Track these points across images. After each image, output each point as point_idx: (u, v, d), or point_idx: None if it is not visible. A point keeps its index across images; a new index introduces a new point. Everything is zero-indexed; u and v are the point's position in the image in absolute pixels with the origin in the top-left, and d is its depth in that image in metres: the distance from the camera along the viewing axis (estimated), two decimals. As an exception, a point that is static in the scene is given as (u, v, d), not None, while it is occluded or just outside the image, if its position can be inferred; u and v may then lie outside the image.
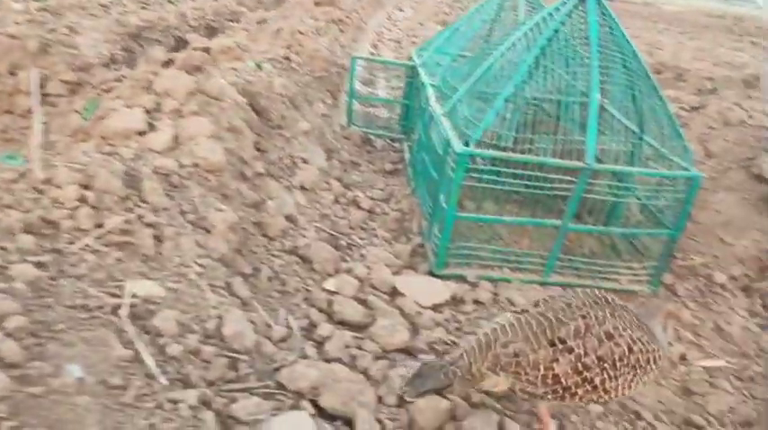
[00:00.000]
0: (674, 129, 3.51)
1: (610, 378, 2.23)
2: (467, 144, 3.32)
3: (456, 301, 3.50)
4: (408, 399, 2.44)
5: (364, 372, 2.71)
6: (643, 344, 2.29)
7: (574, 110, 3.32)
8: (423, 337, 3.02)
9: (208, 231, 2.81)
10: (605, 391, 2.26)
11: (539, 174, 3.37)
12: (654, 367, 2.34)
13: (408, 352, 2.93)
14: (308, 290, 3.19)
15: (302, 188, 4.01)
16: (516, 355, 2.23)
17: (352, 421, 2.40)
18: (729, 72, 6.10)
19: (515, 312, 2.43)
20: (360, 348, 2.83)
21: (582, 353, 2.20)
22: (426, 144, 4.15)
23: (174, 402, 2.00)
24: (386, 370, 2.72)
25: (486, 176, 3.38)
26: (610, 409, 2.68)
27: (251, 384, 2.36)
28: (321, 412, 2.43)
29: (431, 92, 4.25)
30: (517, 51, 3.47)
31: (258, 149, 3.85)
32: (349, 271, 3.46)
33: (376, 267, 3.48)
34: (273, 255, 3.26)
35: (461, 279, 3.64)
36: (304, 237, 3.57)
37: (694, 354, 3.35)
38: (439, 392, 2.46)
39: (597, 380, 2.22)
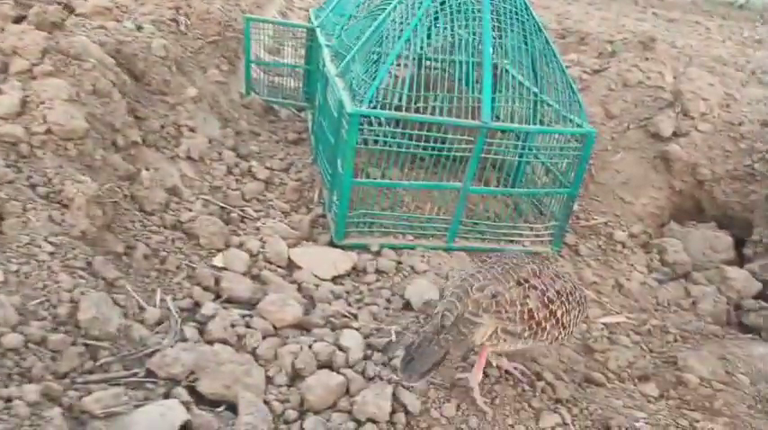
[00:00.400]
0: (570, 88, 3.46)
1: (566, 311, 2.36)
2: (359, 104, 3.11)
3: (357, 272, 3.32)
4: (413, 385, 2.32)
5: (252, 352, 2.49)
6: (575, 285, 2.49)
7: (469, 68, 3.18)
8: (319, 312, 2.82)
9: (65, 206, 2.47)
10: (563, 327, 2.37)
11: (437, 134, 3.23)
12: (587, 306, 2.56)
13: (302, 327, 2.73)
14: (192, 267, 2.91)
15: (189, 158, 3.68)
16: (494, 296, 2.25)
17: (235, 405, 2.19)
18: (629, 36, 6.20)
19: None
20: (248, 326, 2.60)
21: (544, 288, 2.32)
22: (324, 108, 3.92)
23: (7, 400, 1.70)
24: (276, 348, 2.51)
25: (383, 139, 3.19)
26: (509, 373, 2.60)
27: (114, 374, 2.08)
28: (200, 399, 2.20)
29: (326, 53, 4.01)
30: (408, 7, 3.28)
31: (135, 116, 3.48)
32: (240, 245, 3.20)
33: (271, 240, 3.24)
34: (151, 231, 2.95)
35: (364, 248, 3.47)
36: (189, 210, 3.26)
37: (595, 312, 3.35)
38: (434, 365, 2.27)
39: (559, 313, 2.33)
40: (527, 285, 2.31)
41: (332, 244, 3.47)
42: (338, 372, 2.42)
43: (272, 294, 2.68)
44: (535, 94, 3.55)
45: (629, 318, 3.42)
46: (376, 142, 3.24)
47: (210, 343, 2.41)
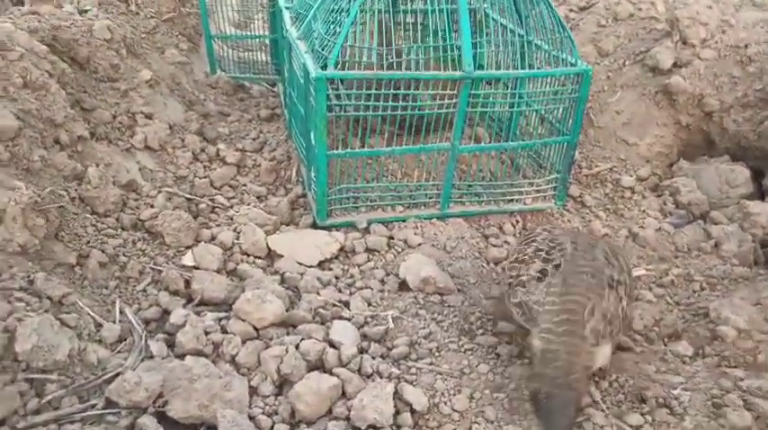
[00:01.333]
0: (559, 24, 3.08)
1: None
2: (324, 67, 2.75)
3: (346, 253, 3.01)
4: None
5: (232, 361, 2.19)
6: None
7: (445, 15, 2.80)
8: (305, 304, 2.51)
9: (-4, 218, 2.14)
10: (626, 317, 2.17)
11: (416, 92, 2.87)
12: None
13: (288, 324, 2.42)
14: (157, 270, 2.59)
15: (147, 148, 3.33)
16: (606, 317, 1.99)
17: (215, 427, 1.89)
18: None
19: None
20: (225, 331, 2.30)
21: (626, 281, 2.15)
22: (292, 77, 3.55)
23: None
24: (259, 352, 2.21)
25: (355, 103, 2.84)
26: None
27: (66, 410, 1.78)
28: (173, 425, 1.90)
29: (286, 15, 3.61)
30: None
31: (81, 108, 3.12)
32: (212, 239, 2.88)
33: (246, 229, 2.92)
34: (107, 235, 2.62)
35: (351, 226, 3.15)
36: (151, 206, 2.93)
37: (611, 268, 3.04)
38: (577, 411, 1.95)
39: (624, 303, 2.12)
40: (615, 285, 2.08)
41: (315, 226, 3.15)
42: (331, 373, 2.13)
43: (248, 291, 2.36)
44: (521, 36, 3.18)
45: (648, 270, 3.12)
46: (347, 108, 2.88)
47: (182, 356, 2.11)
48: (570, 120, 3.20)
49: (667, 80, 4.07)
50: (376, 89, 2.83)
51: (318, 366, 2.20)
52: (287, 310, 2.46)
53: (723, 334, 2.48)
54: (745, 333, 2.48)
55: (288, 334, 2.36)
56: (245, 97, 4.98)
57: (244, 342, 2.24)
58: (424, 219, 3.20)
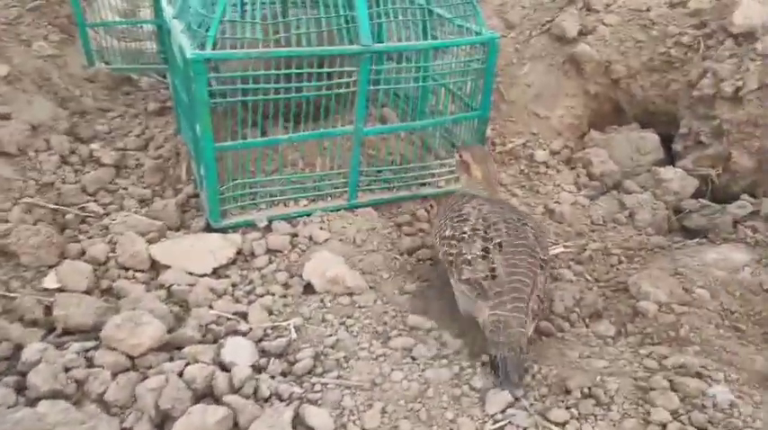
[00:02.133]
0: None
1: None
2: (202, 46, 2.41)
3: (245, 257, 2.70)
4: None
5: (99, 400, 1.85)
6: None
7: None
8: (193, 321, 2.19)
9: None
10: None
11: (310, 70, 2.58)
12: None
13: (173, 347, 2.10)
14: (10, 297, 2.19)
15: (3, 154, 2.87)
16: (539, 297, 2.17)
17: (78, 485, 1.56)
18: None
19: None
20: (91, 365, 1.95)
21: (549, 260, 2.39)
22: (173, 63, 3.16)
23: None
24: (133, 386, 1.88)
25: (241, 87, 2.52)
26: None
27: None
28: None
29: (162, -6, 3.22)
30: None
31: None
32: (82, 254, 2.49)
33: (123, 239, 2.55)
34: (-56, 262, 2.20)
35: (250, 226, 2.84)
36: (6, 221, 2.50)
37: (529, 248, 2.89)
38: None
39: None
40: (544, 264, 2.28)
41: (210, 228, 2.82)
42: (219, 402, 1.83)
43: (117, 315, 2.01)
44: (421, 6, 2.95)
45: (566, 247, 3.00)
46: (232, 93, 2.56)
47: (35, 402, 1.75)
48: (479, 94, 3.01)
49: (574, 49, 3.98)
50: (265, 69, 2.52)
51: (207, 394, 1.91)
52: (171, 331, 2.14)
53: (644, 309, 2.38)
54: (665, 306, 2.38)
55: (172, 359, 2.03)
56: (131, 91, 4.52)
57: (115, 375, 1.90)
58: (331, 211, 2.93)
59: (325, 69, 2.60)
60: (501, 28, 4.64)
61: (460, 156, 2.72)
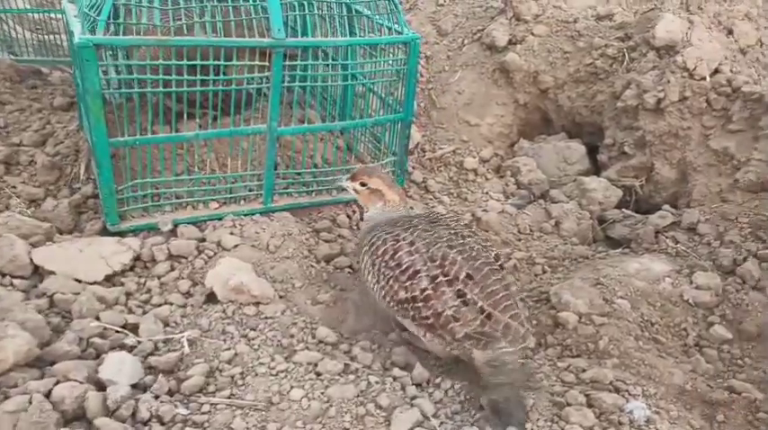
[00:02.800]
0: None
1: None
2: (93, 32, 2.19)
3: (145, 263, 2.47)
4: None
5: (-54, 426, 1.59)
6: None
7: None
8: (72, 334, 1.95)
9: None
10: None
11: (216, 63, 2.39)
12: None
13: (48, 362, 1.85)
14: None
15: None
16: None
17: None
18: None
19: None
20: (-58, 385, 1.68)
21: None
22: (72, 52, 2.90)
23: None
24: (-10, 409, 1.62)
25: (138, 77, 2.31)
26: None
27: None
28: None
29: (61, -24, 2.96)
30: None
31: None
32: (-50, 259, 2.20)
33: (2, 242, 2.26)
34: None
35: (153, 230, 2.60)
36: None
37: (453, 256, 2.79)
38: None
39: None
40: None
41: (107, 232, 2.57)
42: (91, 425, 1.61)
43: (-21, 327, 1.76)
44: (345, 3, 2.81)
45: (492, 257, 2.90)
46: (127, 84, 2.34)
47: None
48: (402, 97, 2.89)
49: (504, 58, 3.95)
50: (164, 59, 2.31)
51: (79, 416, 1.67)
52: (46, 344, 1.89)
53: (564, 320, 2.30)
54: (585, 317, 2.31)
55: (43, 377, 1.79)
56: (38, 84, 4.16)
57: (-32, 397, 1.65)
58: (245, 215, 2.73)
59: (235, 62, 2.42)
60: (434, 35, 4.59)
61: (365, 185, 2.34)
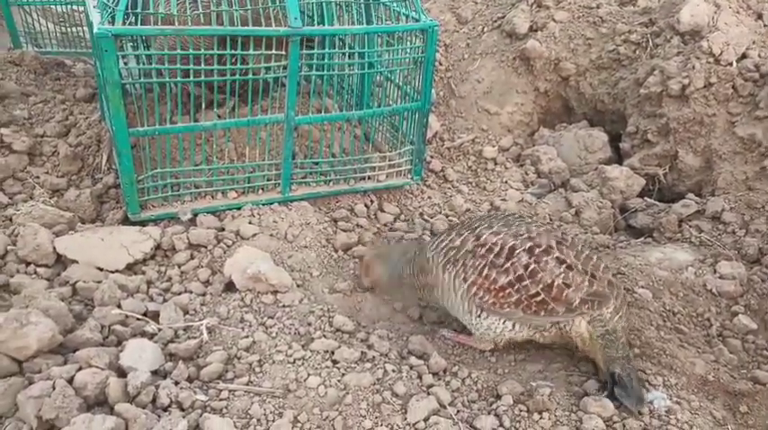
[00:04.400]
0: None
1: None
2: (112, 21, 2.21)
3: (165, 252, 2.50)
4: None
5: (-26, 409, 1.63)
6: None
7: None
8: (93, 321, 1.98)
9: None
10: None
11: (234, 52, 2.40)
12: None
13: (71, 349, 1.88)
14: None
15: None
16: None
17: None
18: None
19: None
20: (-31, 369, 1.73)
21: None
22: (93, 43, 2.93)
23: None
24: (15, 393, 1.66)
25: (156, 67, 2.32)
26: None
27: None
28: None
29: (83, -32, 2.98)
30: None
31: None
32: (-24, 247, 2.25)
33: (25, 231, 2.31)
34: None
35: (173, 219, 2.64)
36: None
37: (471, 245, 2.77)
38: None
39: None
40: None
41: (129, 221, 2.60)
42: (113, 411, 1.64)
43: (0, 314, 1.79)
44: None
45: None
46: (147, 73, 2.36)
47: None
48: (420, 85, 2.87)
49: (524, 45, 3.89)
50: (182, 49, 2.33)
51: (101, 402, 1.71)
52: (69, 331, 1.93)
53: (584, 310, 2.26)
54: (606, 306, 2.28)
55: (66, 363, 1.82)
56: (62, 76, 4.22)
57: (-4, 381, 1.69)
58: (263, 205, 2.75)
59: (252, 52, 2.42)
60: (454, 23, 4.54)
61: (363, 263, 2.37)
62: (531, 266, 1.85)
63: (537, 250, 1.88)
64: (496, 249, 1.90)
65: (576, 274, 1.86)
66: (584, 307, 1.85)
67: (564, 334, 1.94)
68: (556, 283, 1.84)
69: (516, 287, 1.86)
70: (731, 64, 3.15)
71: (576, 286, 1.84)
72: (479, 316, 1.96)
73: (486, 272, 1.90)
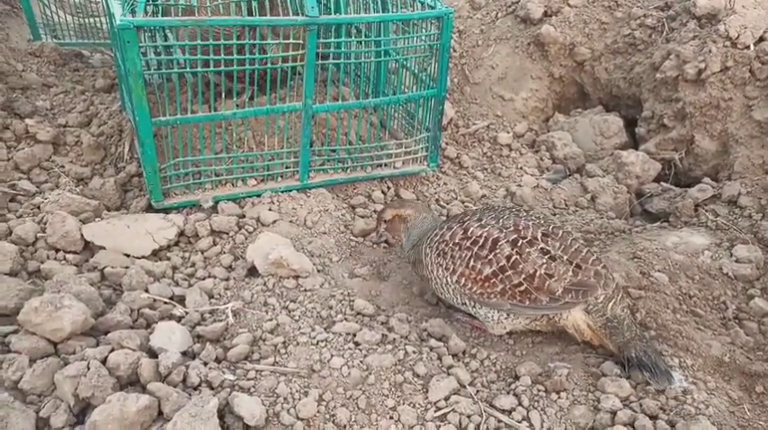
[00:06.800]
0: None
1: None
2: (133, 13, 2.25)
3: (188, 239, 2.56)
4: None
5: (15, 387, 1.71)
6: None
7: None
8: (123, 305, 2.05)
9: None
10: None
11: (253, 42, 2.43)
12: None
13: (102, 332, 1.95)
14: None
15: (-75, 128, 2.67)
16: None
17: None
18: None
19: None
20: (8, 350, 1.80)
21: None
22: (113, 35, 2.98)
23: None
24: (52, 373, 1.73)
25: (176, 58, 2.37)
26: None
27: None
28: None
29: (101, -41, 3.02)
30: None
31: None
32: (9, 234, 2.32)
33: (54, 219, 2.38)
34: None
35: (195, 206, 2.69)
36: None
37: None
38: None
39: None
40: None
41: (152, 209, 2.67)
42: (145, 390, 1.70)
43: (36, 298, 1.86)
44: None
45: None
46: (167, 64, 2.40)
47: (-64, 394, 1.60)
48: (435, 72, 2.89)
49: (539, 30, 3.89)
50: (202, 39, 2.37)
51: (134, 381, 1.77)
52: (100, 315, 1.99)
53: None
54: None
55: (98, 345, 1.89)
56: (80, 67, 4.29)
57: (32, 361, 1.76)
58: (282, 192, 2.80)
59: (269, 42, 2.46)
60: (467, 9, 4.54)
61: (385, 221, 2.41)
62: (513, 257, 1.92)
63: (521, 242, 1.94)
64: (480, 241, 1.99)
65: (558, 265, 1.91)
66: (568, 296, 1.89)
67: (554, 324, 2.00)
68: (538, 274, 1.90)
69: (500, 277, 1.94)
70: (748, 47, 3.14)
71: (558, 276, 1.90)
72: (474, 307, 2.04)
73: (471, 263, 1.98)
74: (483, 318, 2.06)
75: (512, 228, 1.98)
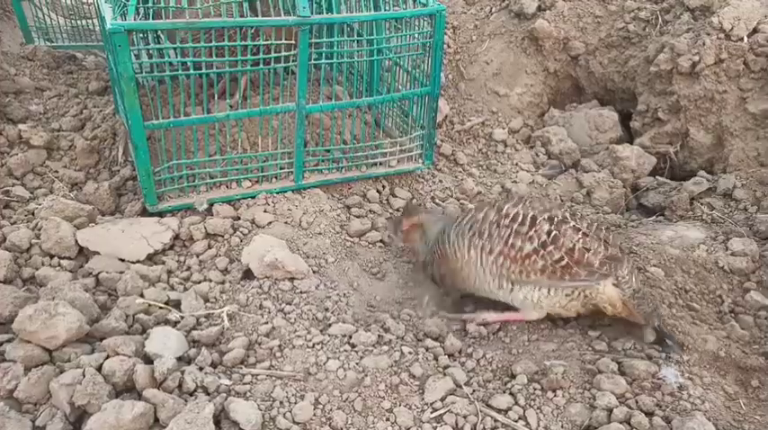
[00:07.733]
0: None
1: None
2: (123, 16, 2.24)
3: (183, 242, 2.56)
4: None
5: (9, 396, 1.70)
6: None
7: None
8: (118, 311, 2.05)
9: None
10: None
11: (245, 43, 2.42)
12: None
13: (97, 338, 1.95)
14: None
15: None
16: None
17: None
18: None
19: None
20: (3, 359, 1.80)
21: None
22: (105, 37, 2.97)
23: None
24: (48, 381, 1.73)
25: (168, 60, 2.36)
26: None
27: None
28: None
29: (92, -38, 3.01)
30: None
31: None
32: (3, 240, 2.32)
33: (48, 224, 2.37)
34: None
35: (190, 209, 2.69)
36: None
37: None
38: None
39: None
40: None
41: (147, 212, 2.66)
42: (141, 396, 1.70)
43: (30, 306, 1.86)
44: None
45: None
46: (159, 67, 2.39)
47: (-70, 403, 1.60)
48: (429, 70, 2.88)
49: (533, 25, 3.87)
50: (193, 41, 2.36)
51: (129, 388, 1.77)
52: (95, 321, 1.99)
53: (596, 289, 2.30)
54: (618, 286, 2.31)
55: (93, 352, 1.89)
56: (74, 70, 4.27)
57: (27, 369, 1.76)
58: (277, 193, 2.79)
59: (261, 42, 2.45)
60: (461, 4, 4.52)
61: (403, 232, 2.43)
62: (554, 232, 1.99)
63: (555, 219, 2.03)
64: (519, 218, 2.05)
65: (592, 240, 2.00)
66: (604, 268, 1.98)
67: (589, 301, 2.05)
68: (577, 247, 1.98)
69: (541, 253, 1.99)
70: (742, 39, 3.13)
71: (594, 250, 1.99)
72: (512, 290, 2.07)
73: (511, 240, 2.02)
74: (521, 301, 2.09)
75: (541, 208, 2.07)
